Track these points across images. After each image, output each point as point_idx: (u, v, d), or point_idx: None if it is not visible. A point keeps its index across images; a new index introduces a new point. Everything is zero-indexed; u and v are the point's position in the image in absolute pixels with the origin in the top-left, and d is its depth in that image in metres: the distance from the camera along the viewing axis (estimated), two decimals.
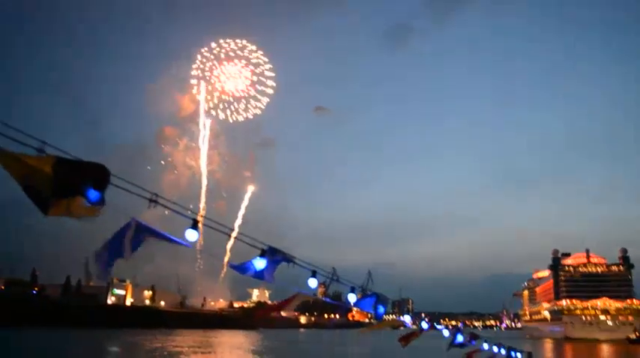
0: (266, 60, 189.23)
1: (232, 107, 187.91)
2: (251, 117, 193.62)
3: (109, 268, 5.53)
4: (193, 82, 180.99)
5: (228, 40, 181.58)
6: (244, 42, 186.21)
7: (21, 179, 4.53)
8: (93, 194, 4.90)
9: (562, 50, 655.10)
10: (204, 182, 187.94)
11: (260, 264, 6.06)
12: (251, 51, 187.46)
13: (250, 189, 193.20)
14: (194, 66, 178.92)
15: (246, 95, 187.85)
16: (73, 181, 4.71)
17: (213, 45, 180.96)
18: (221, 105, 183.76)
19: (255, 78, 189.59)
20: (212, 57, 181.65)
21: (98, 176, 4.80)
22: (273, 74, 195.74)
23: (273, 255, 6.18)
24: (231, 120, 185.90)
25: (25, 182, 4.56)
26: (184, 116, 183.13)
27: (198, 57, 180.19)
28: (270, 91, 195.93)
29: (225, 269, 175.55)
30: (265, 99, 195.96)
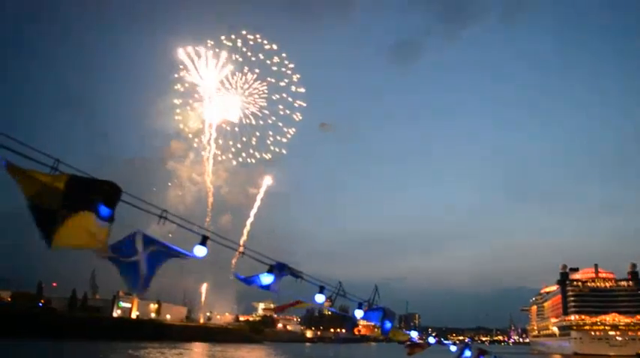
0: (291, 70, 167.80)
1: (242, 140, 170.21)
2: (268, 157, 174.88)
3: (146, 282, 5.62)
4: (197, 96, 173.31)
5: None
6: (258, 37, 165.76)
7: (31, 196, 4.64)
8: (104, 210, 5.01)
9: (579, 62, 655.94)
10: (211, 198, 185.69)
11: (267, 279, 6.13)
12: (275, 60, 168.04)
13: (257, 204, 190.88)
14: (199, 82, 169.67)
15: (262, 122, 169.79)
16: (84, 197, 4.83)
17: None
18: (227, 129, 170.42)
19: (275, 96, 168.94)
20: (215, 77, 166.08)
21: (109, 193, 4.92)
22: (303, 89, 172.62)
23: (281, 270, 6.26)
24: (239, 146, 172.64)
25: (34, 200, 4.67)
26: (191, 131, 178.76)
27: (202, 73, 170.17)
28: (298, 118, 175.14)
29: (230, 284, 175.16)
30: (292, 130, 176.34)
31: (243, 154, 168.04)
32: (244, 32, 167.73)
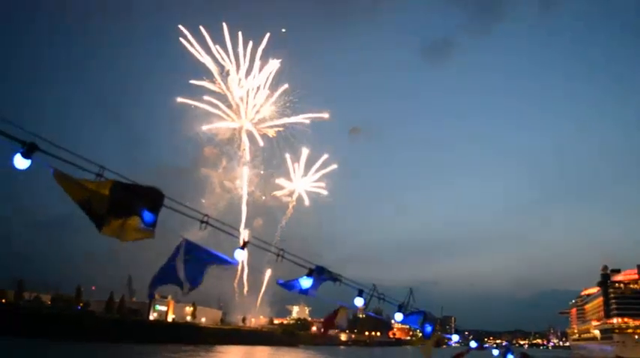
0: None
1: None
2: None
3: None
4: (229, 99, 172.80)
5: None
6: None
7: (80, 202, 4.81)
8: (147, 216, 5.15)
9: (618, 59, 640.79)
10: (245, 205, 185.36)
11: (306, 283, 6.21)
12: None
13: (289, 209, 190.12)
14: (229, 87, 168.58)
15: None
16: (129, 203, 4.98)
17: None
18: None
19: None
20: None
21: (153, 199, 5.06)
22: (326, 114, 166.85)
23: (320, 274, 6.33)
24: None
25: (83, 204, 4.85)
26: (224, 138, 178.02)
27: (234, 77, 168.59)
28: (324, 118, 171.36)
29: (264, 287, 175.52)
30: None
31: (274, 163, 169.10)
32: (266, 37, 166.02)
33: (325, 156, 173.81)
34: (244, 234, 6.19)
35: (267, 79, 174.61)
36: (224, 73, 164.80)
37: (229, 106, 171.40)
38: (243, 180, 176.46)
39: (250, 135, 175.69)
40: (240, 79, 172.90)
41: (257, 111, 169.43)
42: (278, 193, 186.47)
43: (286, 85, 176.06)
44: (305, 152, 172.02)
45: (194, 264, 5.43)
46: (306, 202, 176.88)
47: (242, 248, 5.79)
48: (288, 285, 6.41)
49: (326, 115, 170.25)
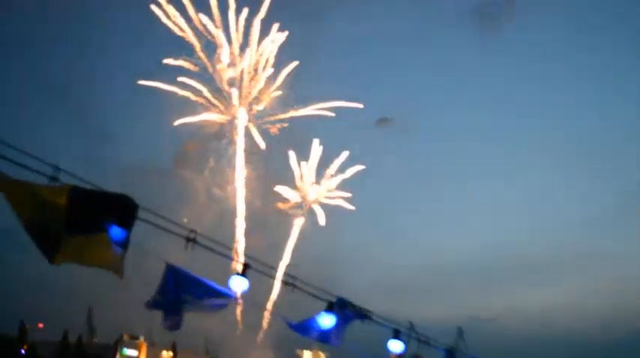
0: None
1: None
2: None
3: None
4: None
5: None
6: None
7: (27, 214, 4.68)
8: (117, 232, 5.02)
9: None
10: (241, 213, 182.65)
11: (327, 321, 5.98)
12: None
13: (299, 222, 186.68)
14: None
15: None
16: (92, 216, 4.86)
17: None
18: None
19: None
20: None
21: (123, 209, 4.94)
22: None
23: (343, 308, 6.12)
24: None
25: (31, 219, 4.71)
26: (210, 131, 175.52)
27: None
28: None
29: (265, 324, 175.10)
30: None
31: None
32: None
33: (345, 154, 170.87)
34: (242, 255, 6.09)
35: (269, 56, 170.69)
36: (210, 50, 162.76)
37: (217, 92, 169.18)
38: (237, 186, 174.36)
39: (246, 131, 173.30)
40: (232, 56, 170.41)
41: (255, 98, 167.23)
42: (283, 205, 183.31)
43: (296, 63, 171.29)
44: (317, 148, 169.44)
45: (182, 304, 5.36)
46: (321, 220, 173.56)
47: (241, 274, 5.66)
48: (303, 328, 6.16)
49: (359, 105, 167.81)
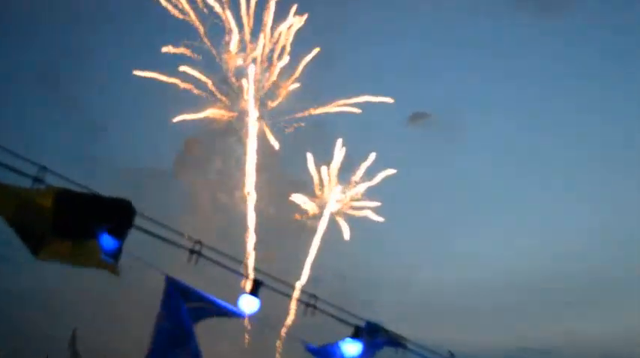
0: None
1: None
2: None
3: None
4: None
5: None
6: None
7: (11, 217, 4.75)
8: (109, 241, 5.06)
9: None
10: (252, 222, 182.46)
11: (352, 348, 5.95)
12: None
13: (320, 230, 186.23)
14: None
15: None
16: (82, 221, 4.89)
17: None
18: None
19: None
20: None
21: (118, 215, 4.97)
22: None
23: (373, 335, 6.09)
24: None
25: (16, 221, 4.78)
26: (217, 128, 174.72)
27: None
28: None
29: (279, 348, 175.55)
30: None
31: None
32: None
33: (372, 156, 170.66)
34: (252, 271, 6.15)
35: (285, 43, 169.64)
36: (216, 36, 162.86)
37: (224, 84, 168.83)
38: (248, 191, 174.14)
39: (258, 129, 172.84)
40: (241, 43, 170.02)
41: (268, 91, 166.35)
42: (300, 216, 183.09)
43: (316, 50, 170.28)
44: (339, 150, 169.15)
45: (192, 315, 5.38)
46: (345, 234, 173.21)
47: (252, 293, 5.68)
48: (325, 353, 6.17)
49: (389, 99, 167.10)
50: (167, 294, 5.37)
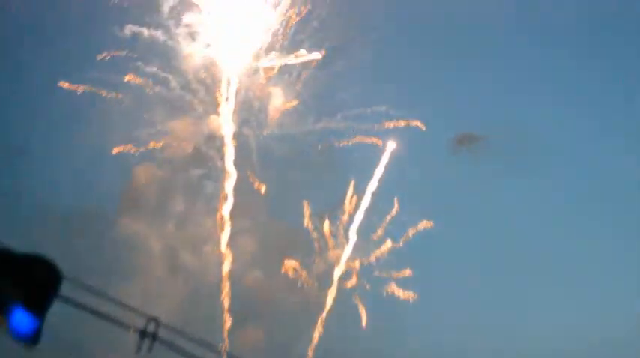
0: None
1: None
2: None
3: None
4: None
5: None
6: None
7: None
8: (22, 319, 4.78)
9: None
10: (227, 293, 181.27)
11: None
12: None
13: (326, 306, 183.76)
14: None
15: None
16: None
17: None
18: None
19: None
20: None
21: (38, 281, 4.70)
22: None
23: None
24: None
25: None
26: (178, 154, 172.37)
27: None
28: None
29: None
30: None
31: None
32: None
33: (398, 204, 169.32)
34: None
35: (279, 33, 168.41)
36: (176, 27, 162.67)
37: (186, 92, 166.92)
38: (224, 245, 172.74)
39: (237, 158, 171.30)
40: (213, 33, 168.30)
41: (253, 105, 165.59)
42: (299, 286, 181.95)
43: (318, 55, 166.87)
44: (351, 195, 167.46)
45: None
46: (363, 318, 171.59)
47: None
48: None
49: (420, 124, 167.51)
50: None
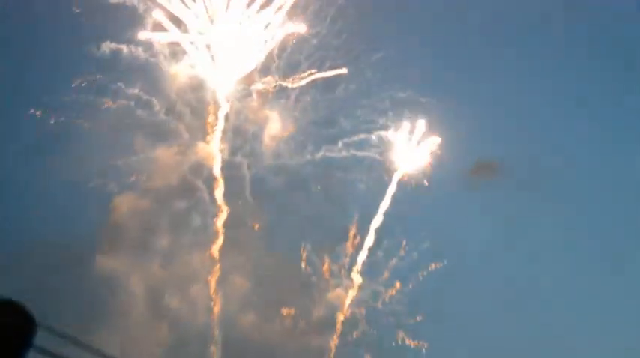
0: None
1: None
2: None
3: None
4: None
5: None
6: None
7: None
8: None
9: None
10: (219, 341, 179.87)
11: None
12: None
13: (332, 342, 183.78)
14: None
15: None
16: None
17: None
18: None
19: None
20: None
21: (7, 332, 4.70)
22: None
23: None
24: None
25: None
26: (164, 180, 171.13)
27: None
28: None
29: None
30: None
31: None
32: None
33: (405, 241, 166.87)
34: None
35: (274, 46, 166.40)
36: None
37: (170, 116, 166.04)
38: (216, 288, 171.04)
39: (228, 188, 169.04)
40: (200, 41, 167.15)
41: (245, 129, 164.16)
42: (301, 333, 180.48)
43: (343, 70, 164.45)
44: (354, 235, 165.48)
45: None
46: None
47: None
48: None
49: (436, 149, 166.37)
50: None
